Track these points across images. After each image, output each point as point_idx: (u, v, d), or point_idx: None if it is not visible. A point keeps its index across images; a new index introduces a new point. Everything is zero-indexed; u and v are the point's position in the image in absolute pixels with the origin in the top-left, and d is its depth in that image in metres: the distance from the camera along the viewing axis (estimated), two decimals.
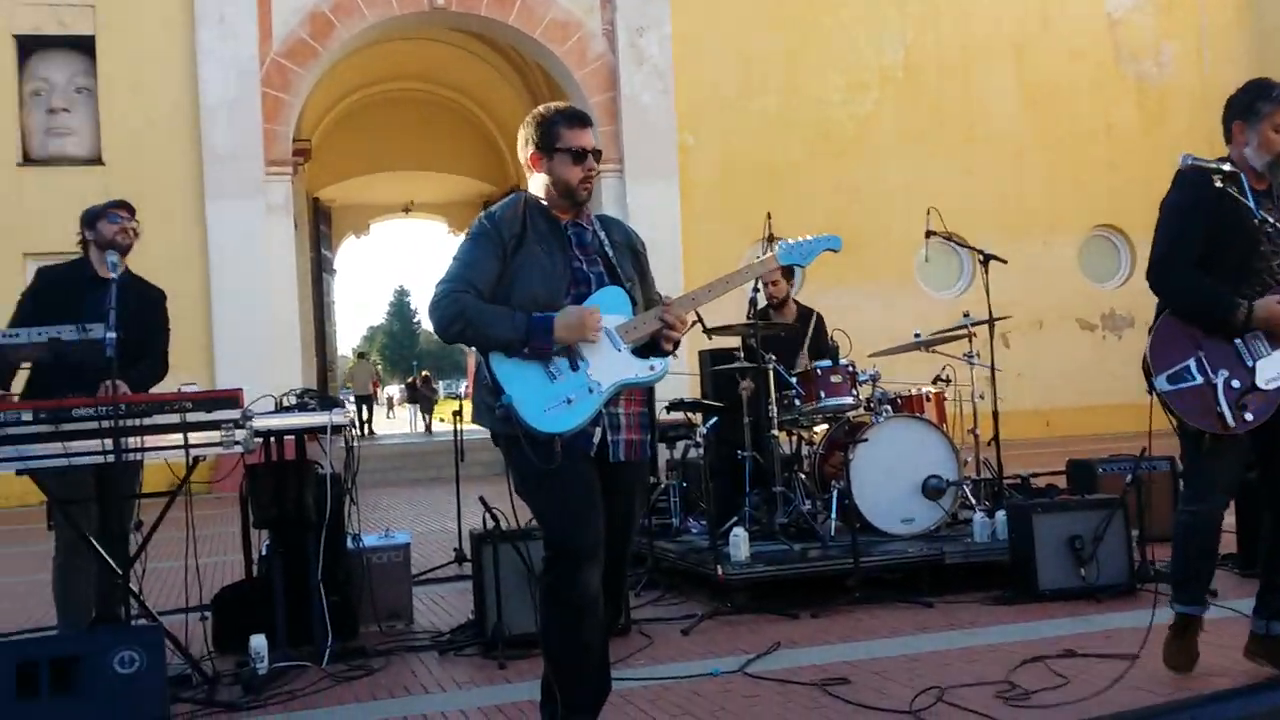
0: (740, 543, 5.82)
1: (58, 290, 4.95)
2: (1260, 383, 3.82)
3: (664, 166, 16.40)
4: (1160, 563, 5.35)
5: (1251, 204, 3.85)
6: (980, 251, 6.84)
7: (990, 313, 6.70)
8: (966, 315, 7.04)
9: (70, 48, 15.25)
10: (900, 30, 17.55)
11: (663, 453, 7.42)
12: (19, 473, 4.44)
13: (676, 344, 3.47)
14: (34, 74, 15.23)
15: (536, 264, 3.37)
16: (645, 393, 3.55)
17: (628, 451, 3.44)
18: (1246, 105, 3.96)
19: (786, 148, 17.06)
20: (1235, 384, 3.82)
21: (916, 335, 7.17)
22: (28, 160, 15.11)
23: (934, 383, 7.10)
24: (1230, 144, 4.01)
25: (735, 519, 6.44)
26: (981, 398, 6.90)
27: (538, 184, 3.51)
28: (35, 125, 15.22)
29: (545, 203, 3.50)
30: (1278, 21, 18.07)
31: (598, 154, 3.50)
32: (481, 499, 5.05)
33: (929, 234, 7.06)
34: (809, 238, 3.57)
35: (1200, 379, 3.83)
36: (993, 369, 6.75)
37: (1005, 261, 6.80)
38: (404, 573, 5.82)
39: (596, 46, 16.39)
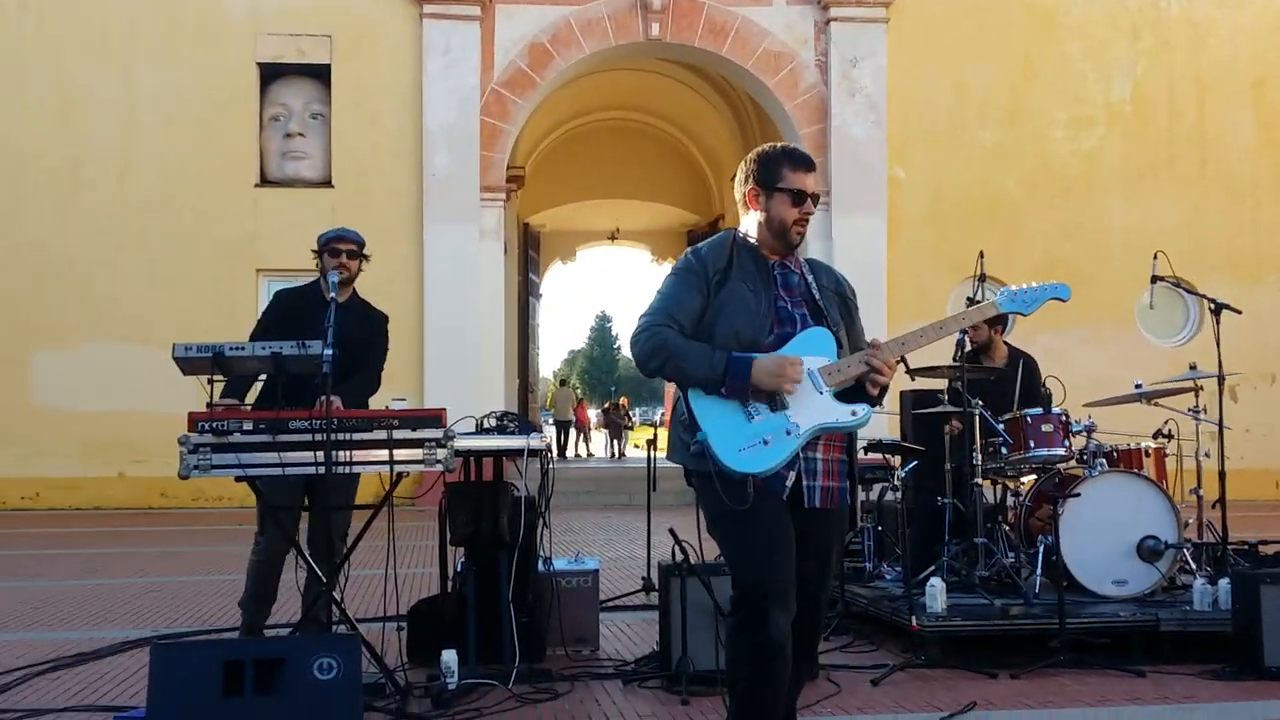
0: (937, 593, 5.60)
1: (292, 311, 5.30)
2: None
3: (872, 200, 16.14)
4: None
5: None
6: (1212, 300, 6.43)
7: (1220, 365, 6.28)
8: (1193, 367, 6.62)
9: (307, 75, 16.12)
10: (1130, 63, 16.80)
11: (859, 495, 7.24)
12: (238, 479, 4.67)
13: (883, 391, 3.38)
14: (274, 100, 16.15)
15: (741, 301, 3.35)
16: (846, 439, 3.47)
17: (824, 499, 3.37)
18: None
19: (1003, 183, 16.54)
20: None
21: (1138, 386, 6.78)
22: (264, 181, 16.01)
23: (1154, 437, 6.69)
24: None
25: (933, 568, 6.21)
26: (1207, 455, 6.46)
27: (750, 222, 3.49)
28: (273, 148, 16.13)
29: (755, 241, 3.47)
30: None
31: (816, 199, 3.46)
32: (671, 530, 5.02)
33: (1155, 279, 6.68)
34: (1034, 285, 3.45)
35: None
36: (1220, 425, 6.31)
37: (1239, 312, 6.38)
38: (592, 598, 5.83)
39: (809, 77, 16.29)
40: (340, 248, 5.28)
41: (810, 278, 3.51)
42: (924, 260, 16.04)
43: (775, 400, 3.26)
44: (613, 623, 6.55)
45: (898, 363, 3.43)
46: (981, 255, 6.58)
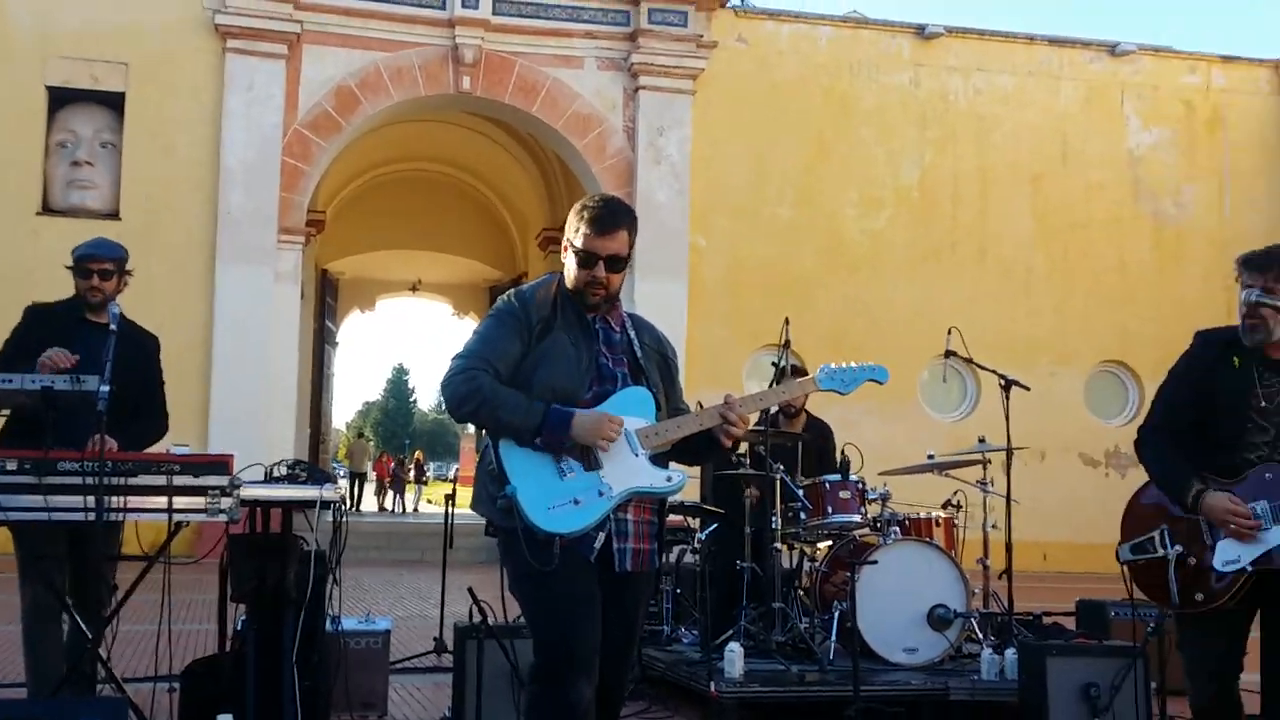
0: (736, 659, 5.57)
1: (47, 328, 4.72)
2: (1217, 564, 3.59)
3: (674, 266, 16.37)
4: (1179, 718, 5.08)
5: (1255, 375, 3.65)
6: (1002, 376, 6.69)
7: (1009, 440, 6.52)
8: (982, 440, 6.87)
9: (100, 102, 15.30)
10: (918, 151, 17.67)
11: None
12: None
13: (736, 445, 3.35)
14: (62, 126, 15.25)
15: (562, 353, 3.24)
16: (657, 501, 3.38)
17: (635, 562, 3.25)
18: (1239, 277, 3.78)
19: (798, 257, 17.06)
20: (1190, 561, 3.63)
21: (930, 456, 6.99)
22: (47, 209, 15.05)
23: (944, 507, 6.90)
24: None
25: (730, 632, 6.18)
26: (995, 527, 6.69)
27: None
28: (58, 176, 15.20)
29: (569, 291, 3.36)
30: None
31: (617, 261, 3.27)
32: (470, 590, 4.81)
33: (948, 354, 6.92)
34: (853, 365, 3.46)
35: (1160, 551, 3.67)
36: (1009, 498, 6.55)
37: (1028, 388, 6.66)
38: (382, 660, 5.56)
39: (617, 142, 16.47)
40: (92, 267, 4.79)
41: (633, 335, 3.41)
42: (722, 327, 16.35)
43: (590, 458, 3.15)
44: (403, 685, 6.27)
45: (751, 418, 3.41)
46: (786, 322, 6.68)
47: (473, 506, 3.34)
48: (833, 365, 3.45)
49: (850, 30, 17.84)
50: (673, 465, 3.36)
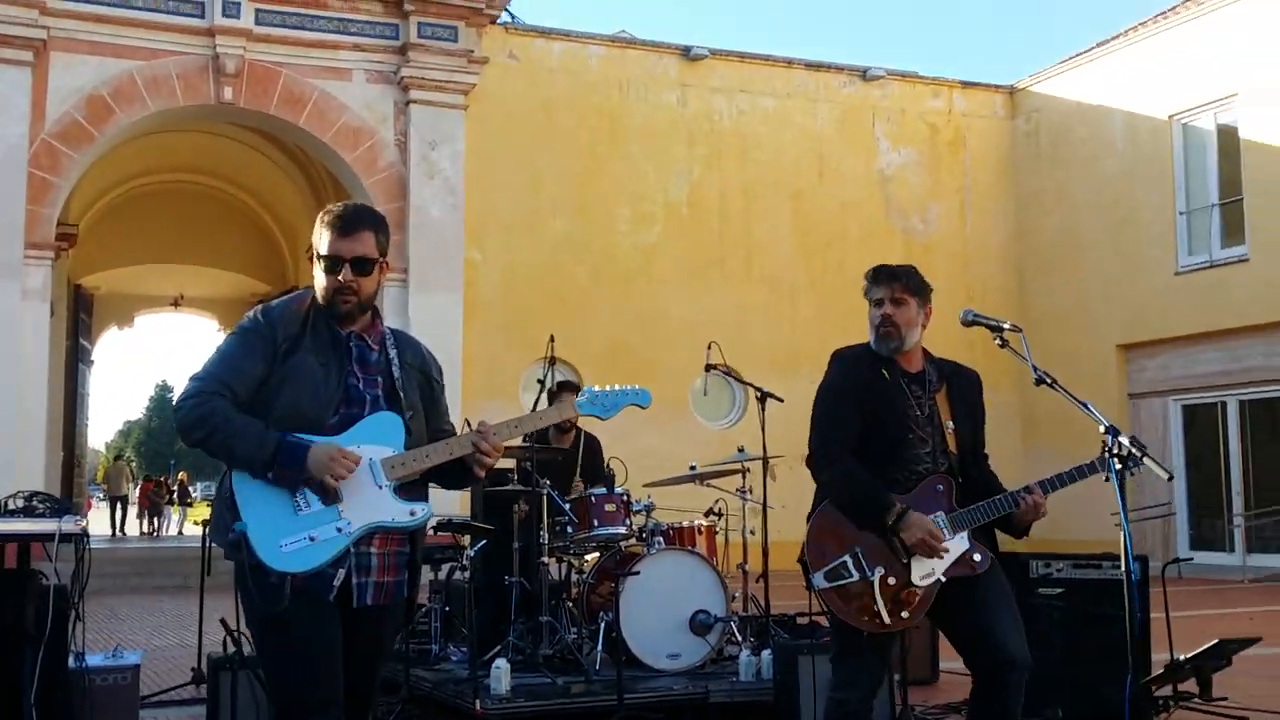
0: (502, 675, 5.60)
1: None
2: (915, 579, 3.66)
3: (450, 280, 16.25)
4: (919, 706, 5.42)
5: (905, 388, 3.78)
6: (758, 389, 6.97)
7: (765, 449, 6.79)
8: (741, 450, 7.13)
9: None
10: (686, 168, 18.13)
11: (427, 574, 7.15)
12: None
13: (488, 471, 3.22)
14: None
15: (308, 374, 3.05)
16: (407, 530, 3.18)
17: (377, 595, 3.09)
18: (866, 291, 3.91)
19: (572, 272, 17.25)
20: (892, 581, 3.65)
21: (692, 467, 7.21)
22: None
23: (706, 515, 7.12)
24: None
25: (498, 648, 6.21)
26: (752, 533, 6.95)
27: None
28: None
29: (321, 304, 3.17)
30: (1035, 187, 19.55)
31: (363, 263, 3.11)
32: (223, 620, 4.70)
33: (709, 367, 7.16)
34: (616, 388, 3.39)
35: (857, 575, 3.65)
36: (765, 505, 6.81)
37: (781, 400, 6.96)
38: (131, 696, 5.31)
39: (388, 155, 16.24)
40: None
41: (393, 353, 3.21)
42: (498, 340, 16.35)
43: (328, 492, 2.97)
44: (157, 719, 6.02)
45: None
46: (552, 339, 6.77)
47: (211, 535, 3.16)
48: (595, 389, 3.38)
49: (619, 50, 18.18)
50: (433, 487, 3.25)
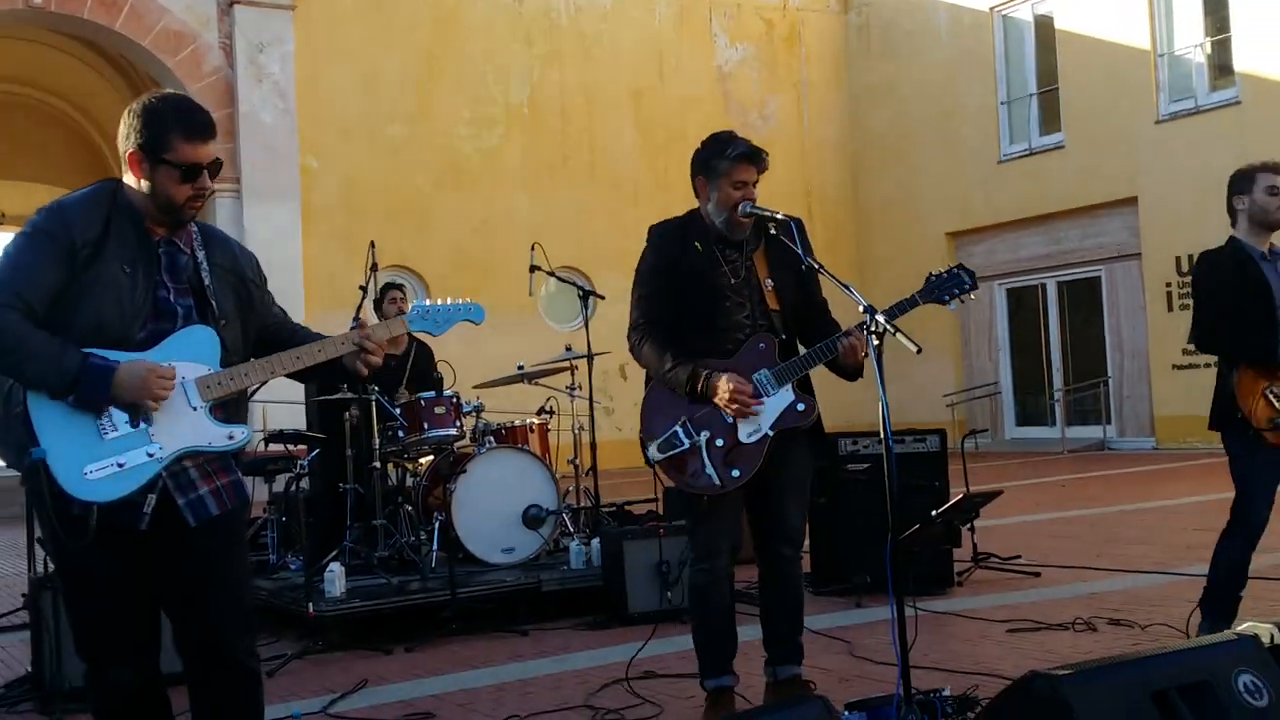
0: (335, 578, 5.71)
1: None
2: (743, 438, 3.76)
3: (285, 189, 15.88)
4: (744, 584, 5.71)
5: (719, 255, 3.85)
6: (579, 287, 7.11)
7: (589, 346, 6.96)
8: (568, 349, 7.28)
9: None
10: (526, 68, 17.94)
11: (262, 487, 7.17)
12: None
13: (371, 372, 3.06)
14: None
15: (112, 285, 2.74)
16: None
17: (220, 503, 2.86)
18: (703, 161, 3.90)
19: (413, 177, 17.00)
20: (719, 443, 3.75)
21: (520, 367, 7.34)
22: None
23: (538, 414, 7.28)
24: (697, 198, 3.96)
25: (334, 553, 6.31)
26: (582, 429, 7.14)
27: (134, 184, 2.86)
28: None
29: (139, 208, 2.85)
30: (868, 82, 19.94)
31: (216, 167, 2.86)
32: (39, 540, 4.67)
33: (533, 268, 7.26)
34: (448, 302, 3.25)
35: (688, 443, 3.77)
36: (591, 401, 7.01)
37: (603, 297, 7.10)
38: None
39: (213, 60, 15.68)
40: None
41: (201, 255, 2.92)
42: (338, 251, 16.06)
43: (136, 413, 2.74)
44: None
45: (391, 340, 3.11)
46: (372, 245, 6.78)
47: (1, 456, 2.81)
48: (426, 304, 3.22)
49: None
50: (256, 402, 3.20)
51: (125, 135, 2.84)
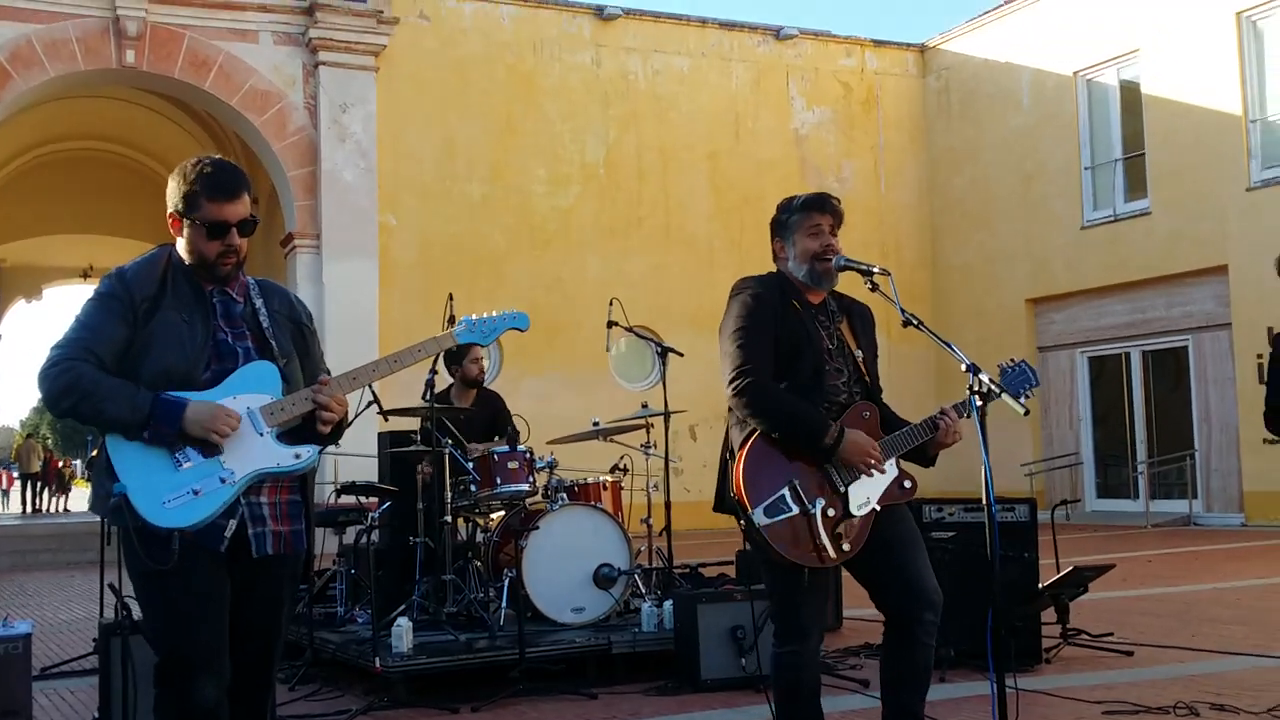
0: (403, 633, 5.61)
1: None
2: (853, 509, 3.54)
3: (364, 245, 16.10)
4: (821, 651, 5.51)
5: (814, 319, 3.71)
6: (658, 344, 7.02)
7: (666, 404, 6.85)
8: (645, 406, 7.17)
9: None
10: (603, 129, 18.07)
11: (333, 539, 7.13)
12: None
13: (338, 429, 3.11)
14: None
15: (173, 332, 3.00)
16: (298, 479, 3.14)
17: (276, 544, 3.06)
18: (776, 224, 3.81)
19: (489, 235, 17.15)
20: (831, 513, 3.52)
21: (595, 423, 7.24)
22: None
23: (611, 471, 7.16)
24: (777, 264, 3.82)
25: (402, 608, 6.22)
26: (656, 488, 7.01)
27: (181, 245, 3.13)
28: None
29: (190, 264, 3.11)
30: (947, 145, 19.82)
31: (249, 223, 3.09)
32: (111, 586, 4.65)
33: (610, 324, 7.19)
34: (494, 314, 3.34)
35: (796, 509, 3.49)
36: (666, 460, 6.88)
37: (681, 354, 6.99)
38: (23, 666, 5.23)
39: (298, 119, 16.00)
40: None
41: (259, 303, 3.17)
42: (415, 305, 16.21)
43: (208, 445, 2.94)
44: (54, 691, 5.97)
45: (368, 402, 3.26)
46: (451, 297, 6.76)
47: (91, 507, 3.10)
48: (473, 317, 3.31)
49: (532, 9, 18.01)
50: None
51: (168, 199, 3.13)
